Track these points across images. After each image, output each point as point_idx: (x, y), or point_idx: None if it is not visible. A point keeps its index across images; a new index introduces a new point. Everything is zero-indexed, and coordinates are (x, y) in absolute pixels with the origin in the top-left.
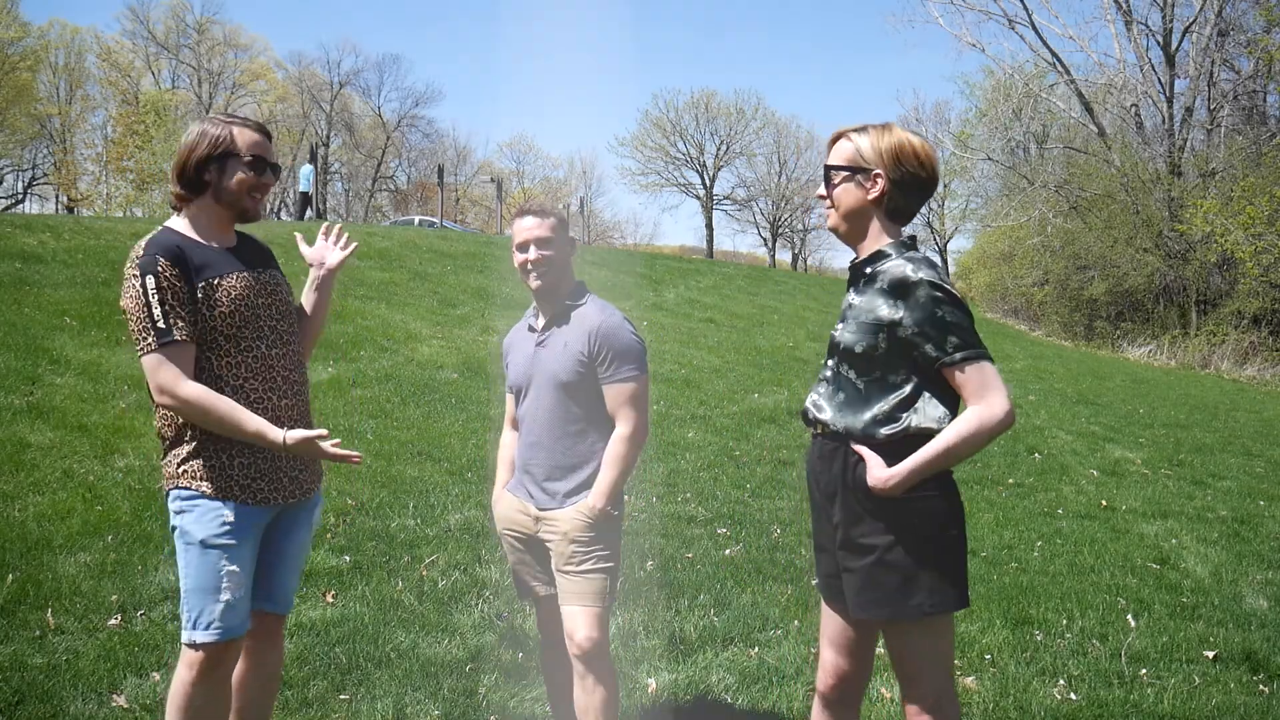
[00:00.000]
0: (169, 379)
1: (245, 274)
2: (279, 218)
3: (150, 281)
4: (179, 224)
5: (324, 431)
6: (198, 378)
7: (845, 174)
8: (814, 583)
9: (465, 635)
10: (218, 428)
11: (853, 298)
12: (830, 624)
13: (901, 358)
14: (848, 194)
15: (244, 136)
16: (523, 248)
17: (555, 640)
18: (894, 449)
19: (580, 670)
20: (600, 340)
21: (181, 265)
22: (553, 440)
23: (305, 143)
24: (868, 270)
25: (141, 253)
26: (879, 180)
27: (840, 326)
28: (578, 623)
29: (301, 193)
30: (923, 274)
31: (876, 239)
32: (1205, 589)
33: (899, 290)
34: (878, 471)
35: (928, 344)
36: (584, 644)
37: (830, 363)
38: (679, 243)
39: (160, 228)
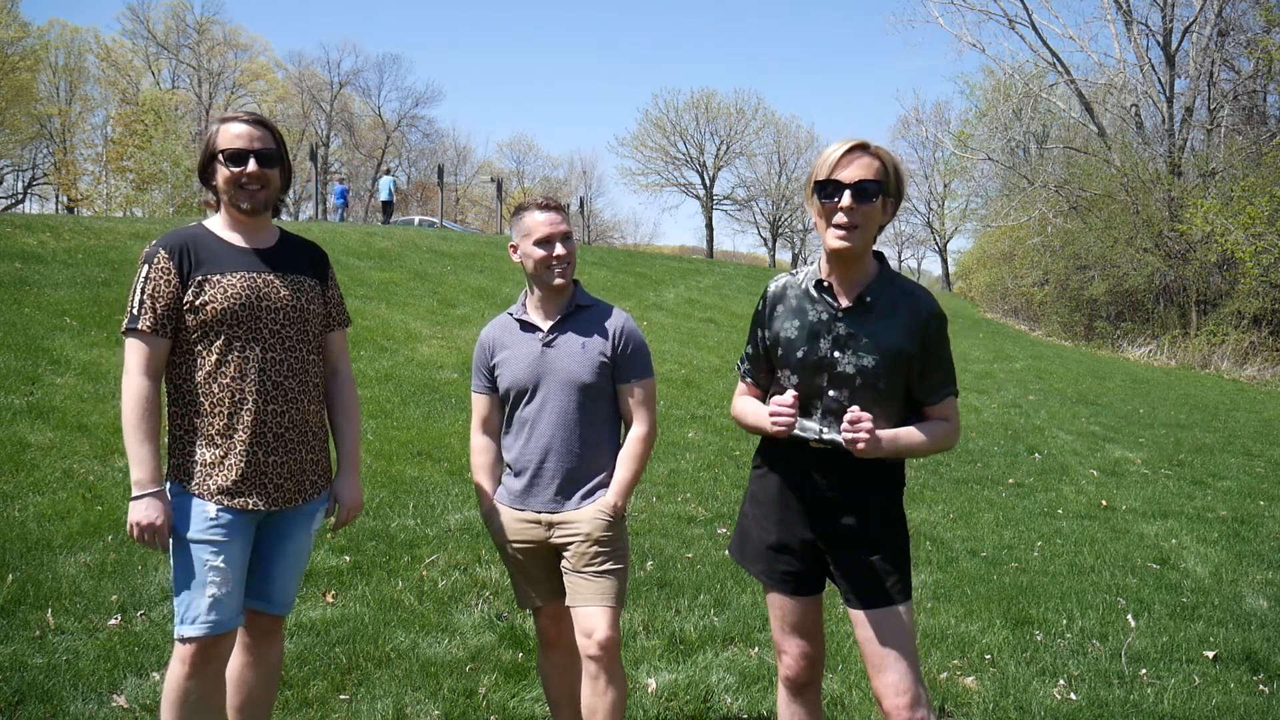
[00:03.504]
0: (128, 364)
1: (251, 275)
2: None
3: (144, 270)
4: (211, 220)
5: (160, 529)
6: (186, 372)
7: (882, 197)
8: (758, 574)
9: (465, 635)
10: (124, 433)
11: (851, 327)
12: (792, 614)
13: (904, 389)
14: (877, 218)
15: (224, 133)
16: (547, 243)
17: (555, 645)
18: (895, 462)
19: (593, 671)
20: (626, 340)
21: (179, 260)
22: (568, 443)
23: (305, 143)
24: (869, 299)
25: (153, 242)
26: (891, 208)
27: (840, 356)
28: (597, 623)
29: (384, 201)
30: (933, 309)
31: (869, 262)
32: (1205, 589)
33: (918, 327)
34: (875, 440)
35: (924, 379)
36: (603, 644)
37: (835, 393)
38: (679, 243)
39: (193, 223)
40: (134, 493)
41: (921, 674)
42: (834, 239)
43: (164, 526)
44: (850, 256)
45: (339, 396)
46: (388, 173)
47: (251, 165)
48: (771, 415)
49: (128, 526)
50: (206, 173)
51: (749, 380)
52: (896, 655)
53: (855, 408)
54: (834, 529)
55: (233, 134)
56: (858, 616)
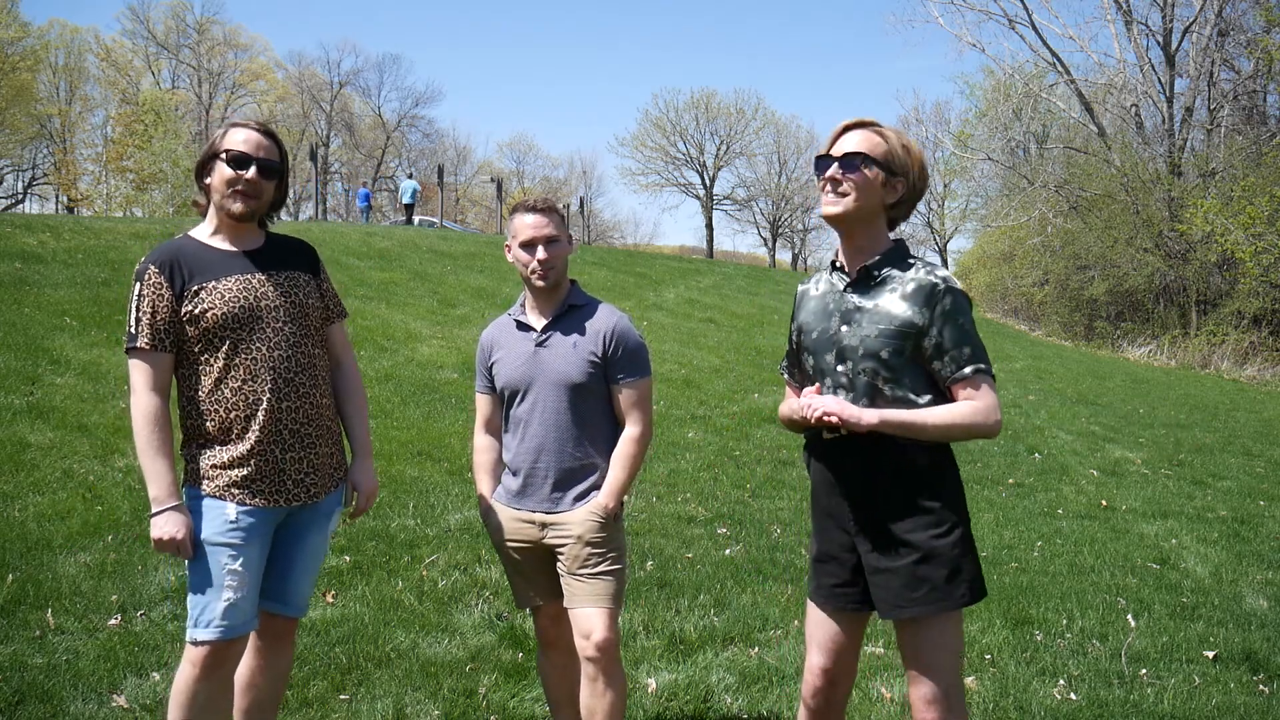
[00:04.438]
0: (134, 383)
1: (246, 277)
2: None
3: (137, 288)
4: (197, 229)
5: (182, 542)
6: (196, 381)
7: (877, 169)
8: (811, 592)
9: (465, 635)
10: (138, 451)
11: (858, 300)
12: (825, 630)
13: (922, 367)
14: (871, 190)
15: (232, 136)
16: (529, 247)
17: (554, 645)
18: (926, 455)
19: (592, 672)
20: (616, 340)
21: (170, 273)
22: (560, 443)
23: (305, 143)
24: (876, 273)
25: (143, 259)
26: (900, 187)
27: (846, 329)
28: (594, 624)
29: (405, 204)
30: (948, 282)
31: (878, 240)
32: (1205, 589)
33: (926, 298)
34: (851, 409)
35: (945, 355)
36: (601, 645)
37: (842, 368)
38: (679, 243)
39: (179, 235)
40: (153, 509)
41: (961, 686)
42: (824, 205)
43: (186, 540)
44: (846, 227)
45: (346, 388)
46: (410, 176)
47: (251, 172)
48: (800, 404)
49: (152, 542)
50: (204, 170)
51: (788, 378)
52: (932, 668)
53: (814, 387)
54: (861, 529)
55: (240, 139)
56: (900, 623)
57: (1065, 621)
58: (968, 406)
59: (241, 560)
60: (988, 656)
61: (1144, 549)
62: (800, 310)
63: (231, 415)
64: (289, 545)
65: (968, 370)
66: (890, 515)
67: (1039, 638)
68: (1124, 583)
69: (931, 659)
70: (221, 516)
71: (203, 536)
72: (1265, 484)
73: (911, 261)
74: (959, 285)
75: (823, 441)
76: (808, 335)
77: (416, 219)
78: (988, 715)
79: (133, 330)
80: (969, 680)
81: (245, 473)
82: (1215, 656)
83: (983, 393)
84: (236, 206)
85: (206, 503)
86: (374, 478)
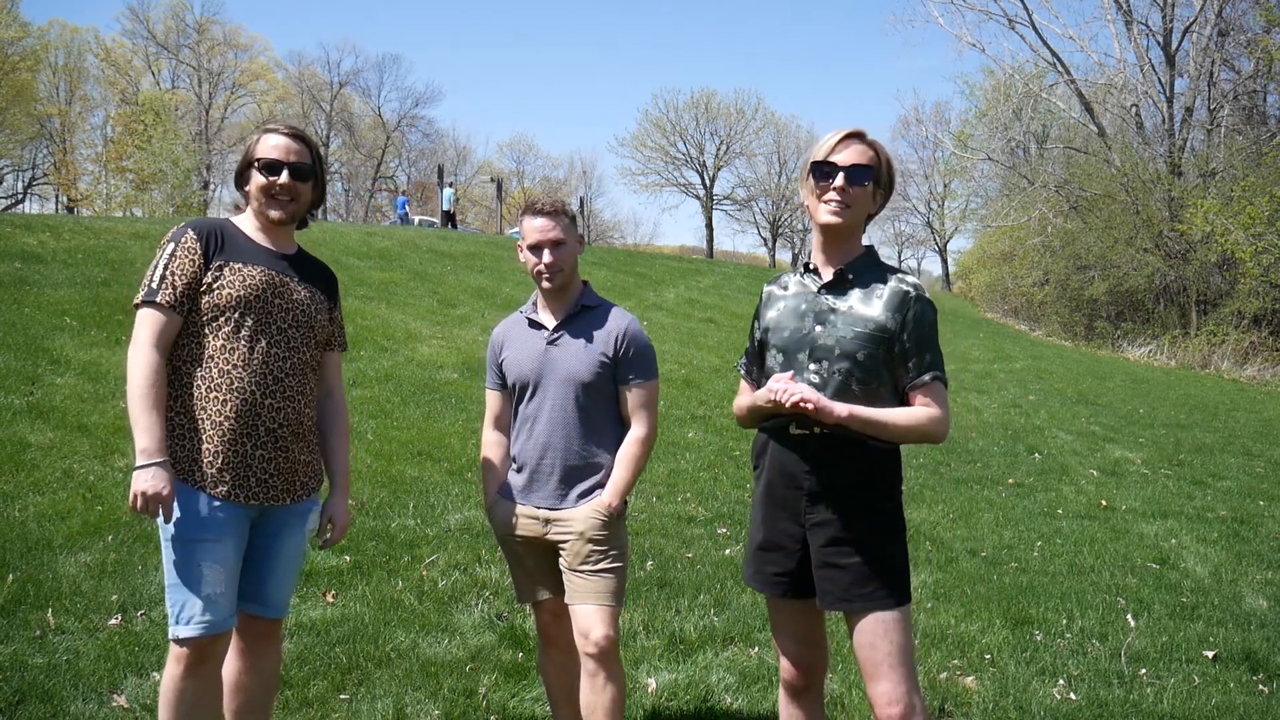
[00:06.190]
0: (138, 336)
1: (272, 272)
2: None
3: (170, 247)
4: (239, 218)
5: (166, 499)
6: (189, 355)
7: (871, 184)
8: (748, 578)
9: (465, 635)
10: (129, 402)
11: (832, 301)
12: (786, 619)
13: (891, 371)
14: (867, 202)
15: (264, 142)
16: (536, 250)
17: (554, 642)
18: (886, 459)
19: (591, 669)
20: (628, 342)
21: (206, 243)
22: (566, 440)
23: None
24: (849, 276)
25: (181, 224)
26: (881, 199)
27: (820, 330)
28: (594, 621)
29: (444, 211)
30: (918, 290)
31: (855, 246)
32: (1205, 589)
33: (899, 304)
34: (825, 400)
35: (910, 360)
36: (600, 642)
37: (815, 367)
38: (679, 243)
39: (221, 216)
40: (139, 461)
41: (917, 681)
42: (826, 213)
43: (170, 496)
44: (839, 235)
45: (332, 417)
46: (450, 185)
47: (284, 177)
48: (770, 388)
49: (130, 497)
50: (242, 178)
51: (748, 377)
52: (889, 663)
53: (789, 374)
54: (816, 523)
55: (270, 144)
56: (851, 621)
57: (1065, 621)
58: (925, 412)
59: (218, 555)
60: (988, 656)
61: (1144, 549)
62: (768, 309)
63: (211, 395)
64: (265, 547)
65: (927, 377)
66: (848, 514)
67: (1039, 638)
68: (1124, 583)
69: (889, 654)
70: (196, 511)
71: (178, 532)
72: (1265, 484)
73: (886, 268)
74: (928, 295)
75: (787, 434)
76: (777, 334)
77: (417, 218)
78: (988, 715)
79: (153, 285)
80: (969, 680)
81: (211, 460)
82: (1215, 656)
83: (939, 400)
84: (274, 213)
85: (182, 495)
86: (347, 513)
